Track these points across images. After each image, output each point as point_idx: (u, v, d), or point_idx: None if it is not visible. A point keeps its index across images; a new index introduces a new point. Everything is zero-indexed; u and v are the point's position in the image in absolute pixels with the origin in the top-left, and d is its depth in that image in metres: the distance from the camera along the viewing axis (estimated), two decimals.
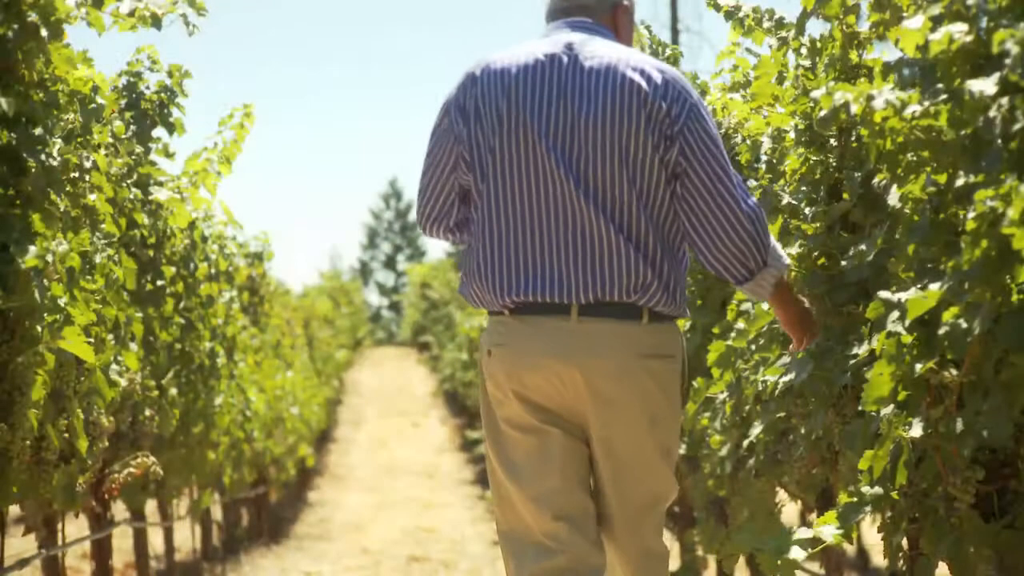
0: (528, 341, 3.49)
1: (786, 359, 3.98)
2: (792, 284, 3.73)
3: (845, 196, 3.75)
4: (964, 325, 2.61)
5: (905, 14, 3.36)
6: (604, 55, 3.49)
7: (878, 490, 3.01)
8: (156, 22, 4.37)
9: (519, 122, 3.47)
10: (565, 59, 3.50)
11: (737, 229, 3.48)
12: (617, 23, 3.67)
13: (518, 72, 3.51)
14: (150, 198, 5.71)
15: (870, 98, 2.90)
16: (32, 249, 3.43)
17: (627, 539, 3.62)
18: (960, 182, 2.67)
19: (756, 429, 4.33)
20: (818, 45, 3.98)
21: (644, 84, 3.44)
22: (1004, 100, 2.52)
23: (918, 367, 2.82)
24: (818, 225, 3.83)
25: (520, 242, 3.48)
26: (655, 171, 3.44)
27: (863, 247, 3.48)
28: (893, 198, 3.22)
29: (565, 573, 3.51)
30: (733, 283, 3.62)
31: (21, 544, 4.97)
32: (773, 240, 3.59)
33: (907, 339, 2.84)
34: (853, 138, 3.78)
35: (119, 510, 6.94)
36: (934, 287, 2.70)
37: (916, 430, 2.88)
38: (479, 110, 3.52)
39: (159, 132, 5.72)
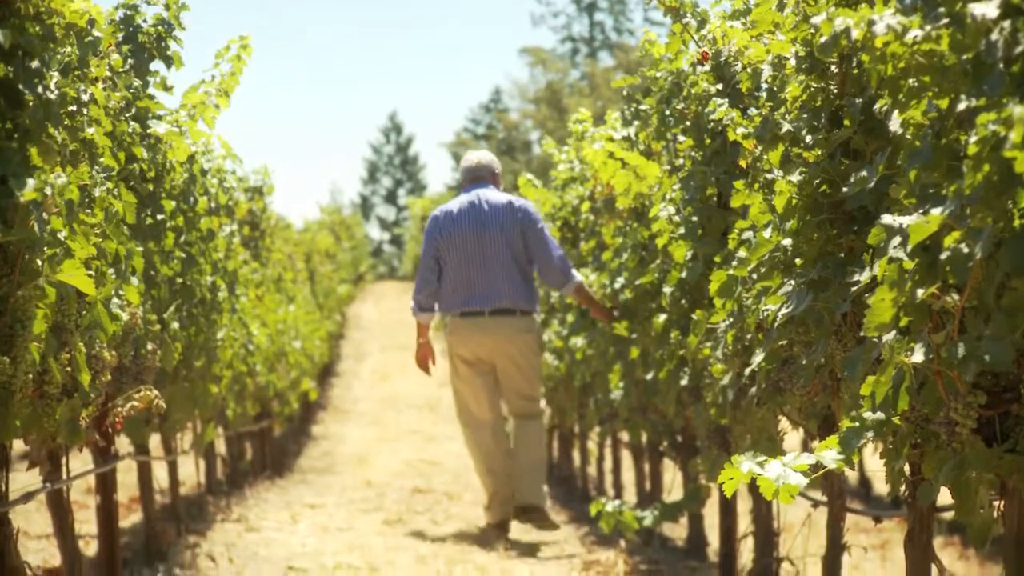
0: (467, 328, 8.23)
1: (787, 288, 3.98)
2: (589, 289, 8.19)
3: (846, 123, 3.73)
4: (966, 250, 2.61)
5: None
6: (495, 199, 8.26)
7: (880, 416, 3.02)
8: None
9: (462, 232, 8.19)
10: (477, 202, 8.27)
11: (553, 263, 8.22)
12: (495, 181, 8.44)
13: (459, 211, 8.27)
14: (149, 132, 5.69)
15: (871, 23, 2.88)
16: (30, 182, 3.41)
17: (516, 406, 8.39)
18: (962, 106, 2.65)
19: (758, 357, 4.33)
20: None
21: (513, 207, 8.22)
22: (1006, 23, 2.51)
23: (920, 292, 2.82)
24: (819, 152, 3.82)
25: (463, 284, 8.20)
26: (519, 244, 8.18)
27: (864, 173, 3.46)
28: (894, 124, 3.20)
29: (485, 428, 8.38)
30: (556, 288, 8.36)
31: (26, 478, 4.99)
32: (573, 270, 8.23)
33: (909, 265, 2.83)
34: (854, 64, 3.75)
35: (123, 444, 6.96)
36: (936, 212, 2.69)
37: (918, 355, 2.89)
38: (442, 229, 8.25)
39: (157, 65, 5.69)
